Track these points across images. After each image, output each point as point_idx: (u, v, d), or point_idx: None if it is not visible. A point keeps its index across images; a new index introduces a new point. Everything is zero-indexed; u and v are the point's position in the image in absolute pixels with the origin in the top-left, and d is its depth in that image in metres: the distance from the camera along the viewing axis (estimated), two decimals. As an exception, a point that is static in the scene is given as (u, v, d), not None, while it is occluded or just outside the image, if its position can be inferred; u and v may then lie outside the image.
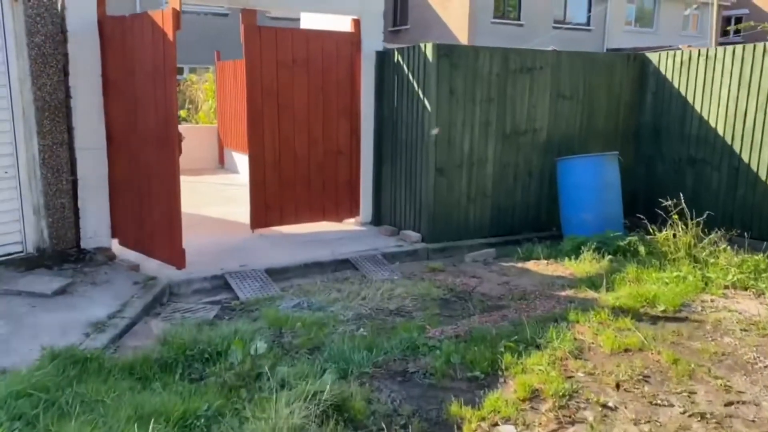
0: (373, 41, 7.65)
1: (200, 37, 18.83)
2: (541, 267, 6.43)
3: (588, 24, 26.21)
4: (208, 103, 14.79)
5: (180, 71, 22.12)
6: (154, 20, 5.67)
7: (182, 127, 14.19)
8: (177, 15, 5.50)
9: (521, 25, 24.46)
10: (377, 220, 7.94)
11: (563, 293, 5.55)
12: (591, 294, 5.47)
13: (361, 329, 4.58)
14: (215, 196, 9.82)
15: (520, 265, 6.54)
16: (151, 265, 6.02)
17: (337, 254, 6.64)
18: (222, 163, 13.17)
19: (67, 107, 6.08)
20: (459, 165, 7.24)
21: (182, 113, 16.63)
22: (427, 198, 7.10)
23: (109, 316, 4.74)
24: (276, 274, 6.11)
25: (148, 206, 6.07)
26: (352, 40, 7.55)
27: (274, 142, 7.21)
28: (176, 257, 5.88)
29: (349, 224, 7.95)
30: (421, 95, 7.04)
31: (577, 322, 4.75)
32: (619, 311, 4.95)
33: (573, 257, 6.49)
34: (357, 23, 7.58)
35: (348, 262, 6.50)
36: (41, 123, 5.91)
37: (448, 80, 7.00)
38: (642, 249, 6.43)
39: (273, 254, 6.57)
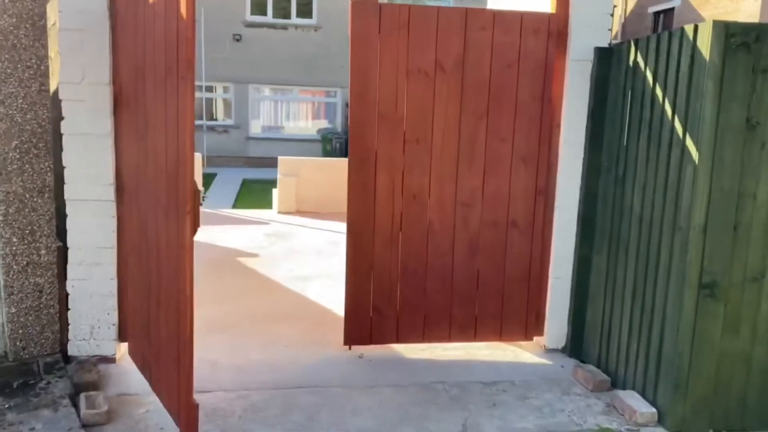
0: (589, 33, 4.20)
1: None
2: None
3: None
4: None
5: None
6: (166, -9, 3.08)
7: (327, 162, 10.33)
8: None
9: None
10: (576, 347, 4.41)
11: None
12: None
13: None
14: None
15: None
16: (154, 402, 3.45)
17: (471, 436, 3.34)
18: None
19: (53, 133, 3.82)
20: (755, 277, 3.43)
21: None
22: (676, 339, 3.43)
23: None
24: (330, 474, 3.06)
25: (155, 309, 3.45)
26: (551, 29, 4.21)
27: (393, 201, 4.18)
28: (184, 415, 3.10)
29: (526, 348, 4.55)
30: (679, 127, 3.44)
31: None
32: None
33: None
34: (564, 1, 4.24)
35: (485, 466, 3.17)
36: (5, 157, 3.70)
37: (745, 98, 3.29)
38: None
39: (351, 413, 3.51)
